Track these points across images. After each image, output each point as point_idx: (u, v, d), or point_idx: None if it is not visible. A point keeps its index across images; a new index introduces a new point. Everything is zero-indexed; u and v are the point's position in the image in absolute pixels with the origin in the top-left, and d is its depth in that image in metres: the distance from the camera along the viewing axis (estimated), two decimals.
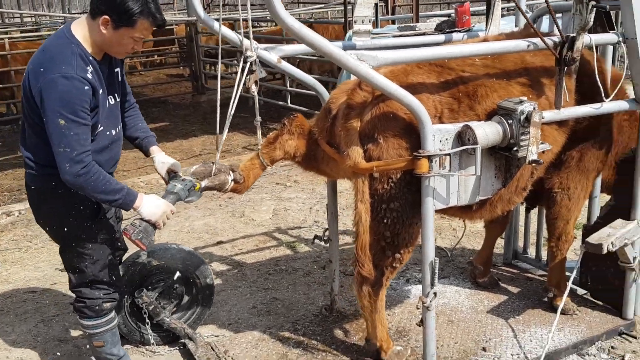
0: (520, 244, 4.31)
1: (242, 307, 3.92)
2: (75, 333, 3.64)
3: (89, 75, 2.52)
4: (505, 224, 3.85)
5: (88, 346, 3.14)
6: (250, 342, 3.33)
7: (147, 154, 3.01)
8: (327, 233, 3.55)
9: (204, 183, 2.85)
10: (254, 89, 2.76)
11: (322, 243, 3.58)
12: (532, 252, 4.21)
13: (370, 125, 2.63)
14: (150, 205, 2.68)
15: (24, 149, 2.71)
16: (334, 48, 2.25)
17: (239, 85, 2.74)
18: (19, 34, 13.16)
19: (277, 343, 3.31)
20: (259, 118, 2.89)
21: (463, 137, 2.59)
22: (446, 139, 2.60)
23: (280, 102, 10.15)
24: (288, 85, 10.01)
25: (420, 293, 3.76)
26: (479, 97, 2.72)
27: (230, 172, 2.91)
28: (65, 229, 2.77)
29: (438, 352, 3.19)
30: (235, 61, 12.10)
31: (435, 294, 2.72)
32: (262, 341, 3.34)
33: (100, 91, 2.62)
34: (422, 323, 2.81)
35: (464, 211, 2.92)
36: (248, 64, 2.70)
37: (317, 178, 6.94)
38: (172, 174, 2.94)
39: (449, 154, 2.56)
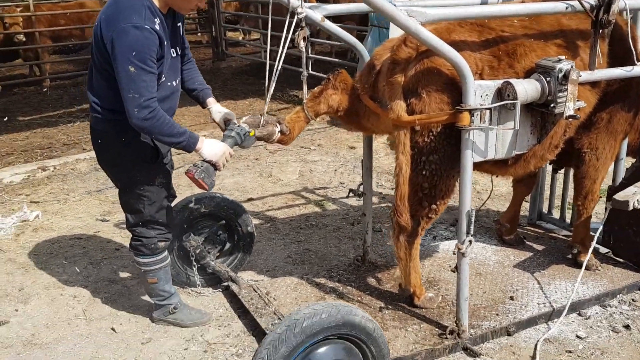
0: (545, 205, 4.47)
1: (278, 257, 4.13)
2: (123, 274, 3.87)
3: (157, 27, 2.69)
4: (532, 185, 4.01)
5: (139, 282, 3.37)
6: (289, 285, 3.54)
7: (203, 105, 3.20)
8: (361, 187, 3.73)
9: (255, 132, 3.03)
10: (302, 45, 2.92)
11: (357, 197, 3.76)
12: (556, 213, 4.38)
13: (414, 80, 2.78)
14: (211, 147, 2.87)
15: (91, 94, 2.90)
16: (385, 4, 2.39)
17: (285, 42, 2.89)
18: None
19: (315, 288, 3.52)
20: (305, 72, 3.06)
21: (503, 93, 2.74)
22: (487, 95, 2.75)
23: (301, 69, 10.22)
24: (310, 51, 10.08)
25: (447, 249, 4.01)
26: (518, 56, 2.85)
27: (277, 124, 3.08)
28: (126, 171, 2.97)
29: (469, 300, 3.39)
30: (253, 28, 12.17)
31: (470, 241, 2.89)
32: (300, 285, 3.54)
33: (165, 43, 2.78)
34: (456, 269, 2.99)
35: (498, 166, 3.08)
36: (297, 19, 2.84)
37: (341, 142, 7.13)
38: (227, 122, 3.11)
39: (490, 109, 2.71)
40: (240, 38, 14.24)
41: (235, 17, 12.81)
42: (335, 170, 6.12)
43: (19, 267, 3.95)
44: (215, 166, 2.90)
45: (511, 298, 3.40)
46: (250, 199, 5.35)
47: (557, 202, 4.40)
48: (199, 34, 15.28)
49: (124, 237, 4.47)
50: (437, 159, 2.91)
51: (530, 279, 3.62)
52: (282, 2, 3.01)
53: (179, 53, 3.00)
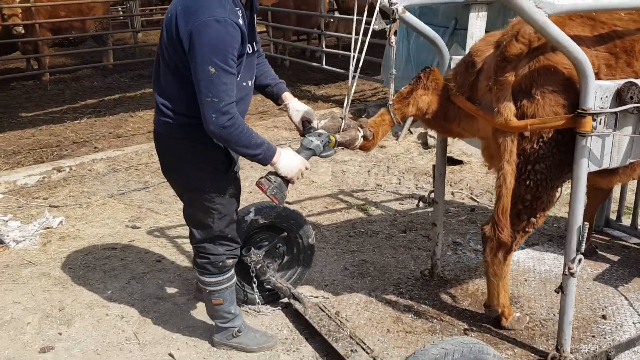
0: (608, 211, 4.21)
1: (333, 269, 3.82)
2: (171, 290, 3.53)
3: (240, 20, 2.36)
4: (609, 192, 3.75)
5: (189, 299, 3.04)
6: (358, 304, 3.23)
7: (277, 101, 2.86)
8: (432, 195, 3.43)
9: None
10: (393, 39, 2.60)
11: (427, 205, 3.46)
12: (625, 220, 4.12)
13: (528, 80, 2.47)
14: (287, 161, 2.56)
15: (159, 95, 2.56)
16: None
17: (360, 33, 2.58)
18: None
19: (387, 306, 3.22)
20: (393, 71, 2.73)
21: (624, 95, 2.44)
22: (606, 97, 2.45)
23: (315, 64, 9.90)
24: (324, 45, 9.75)
25: (517, 259, 3.72)
26: (637, 53, 2.56)
27: (360, 128, 2.77)
28: (196, 182, 2.64)
29: (554, 320, 3.11)
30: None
31: (580, 260, 2.60)
32: (370, 304, 3.24)
33: (246, 37, 2.45)
34: (561, 290, 2.71)
35: (604, 175, 2.79)
36: (393, 11, 2.53)
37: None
38: (306, 124, 2.82)
39: (615, 113, 2.42)
40: None
41: None
42: (369, 171, 5.82)
43: (55, 283, 3.59)
44: (288, 181, 2.61)
45: (603, 317, 3.13)
46: (287, 203, 5.02)
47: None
48: None
49: (161, 247, 4.13)
50: (543, 168, 2.62)
51: (616, 294, 3.35)
52: None
53: (256, 49, 2.66)
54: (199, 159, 2.60)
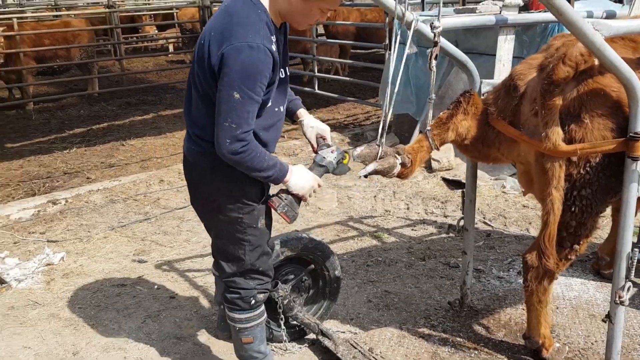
0: None
1: (356, 301, 3.67)
2: (189, 330, 3.34)
3: (274, 47, 2.26)
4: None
5: (209, 339, 2.86)
6: (391, 339, 3.09)
7: (292, 118, 2.77)
8: (462, 222, 3.32)
9: (371, 167, 2.60)
10: (434, 64, 2.52)
11: (456, 234, 3.35)
12: None
13: (576, 103, 2.40)
14: (298, 179, 2.49)
15: (191, 124, 2.45)
16: (576, 15, 2.01)
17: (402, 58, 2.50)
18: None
19: (421, 340, 3.08)
20: (432, 96, 2.64)
21: None
22: None
23: (307, 89, 9.84)
24: (316, 70, 9.71)
25: None
26: None
27: (397, 155, 2.66)
28: (227, 212, 2.51)
29: (593, 349, 3.02)
30: None
31: (629, 287, 2.51)
32: (403, 338, 3.10)
33: (279, 64, 2.35)
34: (608, 319, 2.61)
35: None
36: (434, 35, 2.45)
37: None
38: (320, 141, 2.74)
39: None
40: None
41: None
42: (375, 196, 5.70)
43: (66, 325, 3.37)
44: (300, 199, 2.56)
45: None
46: (296, 232, 4.87)
47: None
48: (183, 54, 14.76)
49: (172, 282, 3.94)
50: (589, 194, 2.54)
51: None
52: (398, 18, 2.62)
53: (288, 74, 2.56)
54: (231, 188, 2.48)
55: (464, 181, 5.73)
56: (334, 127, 8.51)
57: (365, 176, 2.62)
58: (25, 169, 7.18)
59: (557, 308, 3.40)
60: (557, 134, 2.41)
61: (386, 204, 5.50)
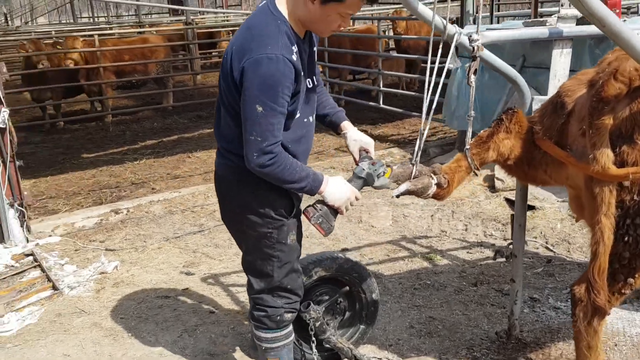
0: None
1: (398, 326, 3.52)
2: (223, 346, 3.32)
3: (294, 57, 2.21)
4: None
5: (242, 357, 2.81)
6: None
7: (337, 130, 2.69)
8: (511, 247, 3.11)
9: (404, 186, 2.47)
10: (473, 79, 2.37)
11: (503, 260, 3.14)
12: None
13: (629, 123, 2.18)
14: (335, 189, 2.40)
15: (219, 138, 2.45)
16: (622, 26, 1.82)
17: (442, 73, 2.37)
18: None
19: None
20: (472, 112, 2.49)
21: None
22: None
23: (372, 103, 9.74)
24: (381, 84, 9.59)
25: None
26: None
27: (433, 175, 2.52)
28: (256, 228, 2.48)
29: None
30: None
31: None
32: None
33: (302, 74, 2.29)
34: None
35: None
36: (473, 49, 2.30)
37: None
38: (362, 153, 2.65)
39: None
40: None
41: None
42: (432, 215, 5.50)
43: (106, 334, 3.45)
44: (336, 210, 2.45)
45: None
46: (345, 249, 4.78)
47: None
48: None
49: (215, 296, 3.94)
50: None
51: None
52: (438, 29, 2.50)
53: (316, 83, 2.50)
54: (260, 202, 2.45)
55: (529, 203, 5.46)
56: (398, 143, 8.36)
57: (398, 196, 2.50)
58: (97, 179, 7.51)
59: (616, 345, 3.11)
60: (606, 156, 2.19)
61: (443, 224, 5.29)
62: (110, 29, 16.87)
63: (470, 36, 2.33)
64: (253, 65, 2.16)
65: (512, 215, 3.08)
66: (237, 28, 16.96)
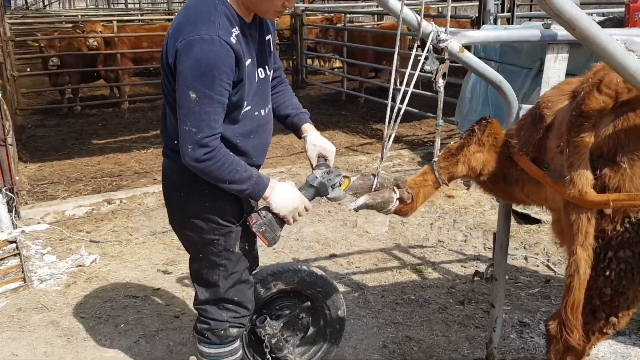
0: None
1: (371, 344, 3.28)
2: (179, 356, 3.13)
3: (233, 40, 2.00)
4: None
5: None
6: None
7: (298, 133, 2.47)
8: (491, 270, 2.84)
9: (361, 200, 2.23)
10: (441, 83, 2.11)
11: (484, 281, 2.87)
12: None
13: (612, 142, 1.90)
14: (281, 197, 2.19)
15: (164, 135, 2.27)
16: (597, 29, 1.54)
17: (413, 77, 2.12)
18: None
19: None
20: (440, 122, 2.23)
21: None
22: None
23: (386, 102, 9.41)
24: (397, 82, 9.28)
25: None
26: None
27: (395, 188, 2.27)
28: (201, 232, 2.29)
29: None
30: (336, 55, 11.51)
31: None
32: None
33: (249, 61, 2.10)
34: None
35: None
36: (441, 50, 2.04)
37: (438, 190, 6.24)
38: (321, 161, 2.43)
39: None
40: (319, 65, 13.66)
41: (316, 44, 12.21)
42: (432, 224, 5.23)
43: (61, 335, 3.30)
44: (283, 219, 2.24)
45: None
46: (333, 255, 4.56)
47: None
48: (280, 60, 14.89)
49: (186, 298, 3.77)
50: (629, 256, 2.01)
51: None
52: (411, 26, 2.24)
53: (269, 73, 2.29)
54: (206, 206, 2.25)
55: (535, 215, 5.14)
56: (411, 144, 8.06)
57: (356, 210, 2.25)
58: (101, 166, 7.42)
59: None
60: (584, 178, 1.91)
61: (442, 234, 5.02)
62: (141, 15, 16.86)
63: (438, 35, 2.06)
64: (186, 47, 1.96)
65: (494, 235, 2.80)
66: None
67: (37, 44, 10.11)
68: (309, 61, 13.58)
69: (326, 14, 13.17)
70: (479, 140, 2.23)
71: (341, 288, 3.99)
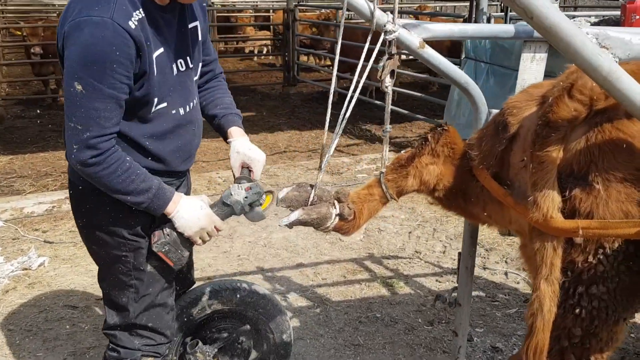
0: None
1: None
2: None
3: (133, 24, 1.70)
4: None
5: None
6: None
7: (225, 137, 2.17)
8: (455, 294, 2.53)
9: (294, 215, 1.92)
10: (388, 82, 1.80)
11: (446, 306, 2.57)
12: None
13: (583, 159, 1.58)
14: (186, 214, 1.91)
15: (64, 133, 1.94)
16: (564, 21, 1.23)
17: (361, 73, 1.81)
18: None
19: None
20: (388, 128, 1.92)
21: None
22: None
23: (378, 102, 9.12)
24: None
25: None
26: None
27: (336, 202, 1.96)
28: (108, 248, 1.99)
29: None
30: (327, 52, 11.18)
31: None
32: None
33: (159, 51, 1.81)
34: None
35: None
36: (387, 43, 1.73)
37: (419, 195, 5.94)
38: (244, 172, 2.13)
39: None
40: (314, 63, 13.34)
41: (311, 40, 11.87)
42: (410, 232, 4.91)
43: None
44: (188, 240, 1.96)
45: None
46: (300, 265, 4.25)
47: None
48: (272, 57, 14.58)
49: None
50: (604, 292, 1.69)
51: None
52: (363, 16, 1.92)
53: (192, 66, 1.97)
54: (109, 217, 1.95)
55: None
56: (400, 146, 7.75)
57: (288, 226, 1.94)
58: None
59: None
60: (550, 200, 1.59)
61: (420, 244, 4.70)
62: None
63: (385, 26, 1.75)
64: (74, 30, 1.68)
65: (459, 254, 2.49)
66: (262, 14, 16.48)
67: (19, 33, 9.82)
68: (304, 58, 13.26)
69: (322, 10, 12.87)
70: (433, 150, 1.92)
71: (303, 302, 3.69)
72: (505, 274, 4.14)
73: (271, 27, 14.84)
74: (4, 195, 5.88)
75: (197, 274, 4.14)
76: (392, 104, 7.45)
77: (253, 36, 14.92)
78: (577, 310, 1.74)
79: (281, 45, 12.30)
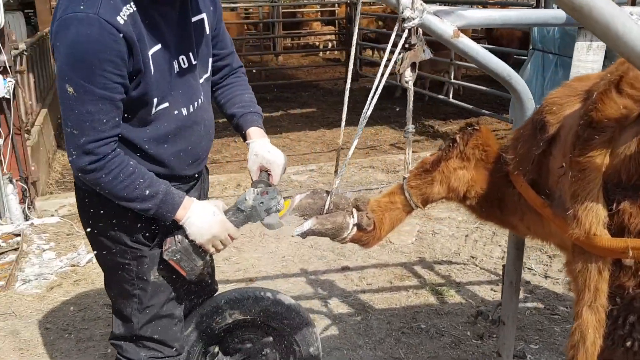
0: None
1: None
2: None
3: (122, 20, 1.59)
4: None
5: None
6: None
7: (244, 138, 2.06)
8: (499, 311, 2.28)
9: (307, 225, 1.75)
10: (408, 75, 1.59)
11: (490, 324, 2.32)
12: None
13: (634, 166, 1.32)
14: (197, 221, 1.78)
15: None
16: (606, 3, 0.99)
17: (385, 67, 1.61)
18: None
19: None
20: (410, 127, 1.71)
21: None
22: None
23: (441, 97, 8.77)
24: (452, 77, 8.58)
25: None
26: None
27: (354, 211, 1.77)
28: (110, 254, 1.91)
29: None
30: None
31: None
32: None
33: (157, 47, 1.69)
34: None
35: None
36: (405, 32, 1.52)
37: None
38: (263, 176, 1.98)
39: None
40: (379, 58, 13.06)
41: (375, 34, 11.60)
42: (467, 235, 4.62)
43: (16, 348, 3.02)
44: (201, 247, 1.83)
45: None
46: (346, 268, 4.07)
47: None
48: (337, 52, 14.43)
49: None
50: None
51: None
52: (390, 4, 1.73)
53: (195, 62, 1.85)
54: (111, 222, 1.86)
55: None
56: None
57: (301, 236, 1.77)
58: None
59: None
60: (593, 215, 1.34)
61: (476, 248, 4.41)
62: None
63: (402, 12, 1.53)
64: (60, 29, 1.59)
65: (504, 267, 2.24)
66: (328, 9, 16.35)
67: None
68: (369, 52, 13.02)
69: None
70: (462, 153, 1.69)
71: (344, 308, 3.52)
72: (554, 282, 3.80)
73: (336, 21, 14.71)
74: (67, 190, 6.05)
75: (239, 274, 4.09)
76: (457, 99, 7.13)
77: (318, 31, 14.81)
78: (629, 343, 1.47)
79: (345, 39, 12.13)
